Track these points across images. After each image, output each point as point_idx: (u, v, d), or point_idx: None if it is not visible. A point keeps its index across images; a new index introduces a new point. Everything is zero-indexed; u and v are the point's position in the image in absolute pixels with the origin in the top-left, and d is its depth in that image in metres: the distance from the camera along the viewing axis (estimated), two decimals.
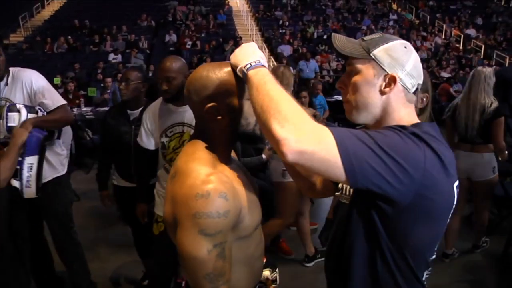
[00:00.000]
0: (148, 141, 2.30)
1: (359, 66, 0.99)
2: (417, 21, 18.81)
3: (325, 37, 14.87)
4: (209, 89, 1.03)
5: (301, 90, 4.73)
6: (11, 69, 2.34)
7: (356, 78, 1.00)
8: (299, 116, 0.83)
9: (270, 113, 0.83)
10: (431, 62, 13.73)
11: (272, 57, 14.26)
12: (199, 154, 1.04)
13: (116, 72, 10.21)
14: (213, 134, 1.07)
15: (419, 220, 0.92)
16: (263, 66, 0.96)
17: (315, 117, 4.62)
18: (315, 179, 1.31)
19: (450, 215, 1.01)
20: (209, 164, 1.01)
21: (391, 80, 0.97)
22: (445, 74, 12.16)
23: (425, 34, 17.06)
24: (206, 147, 1.07)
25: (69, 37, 14.16)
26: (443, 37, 17.39)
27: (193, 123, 2.17)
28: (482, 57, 15.65)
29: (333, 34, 1.05)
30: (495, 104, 2.84)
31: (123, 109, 2.63)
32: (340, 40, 1.02)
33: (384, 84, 0.98)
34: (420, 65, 1.02)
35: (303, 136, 0.80)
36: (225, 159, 1.09)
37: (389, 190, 0.85)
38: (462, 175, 3.00)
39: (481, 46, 16.15)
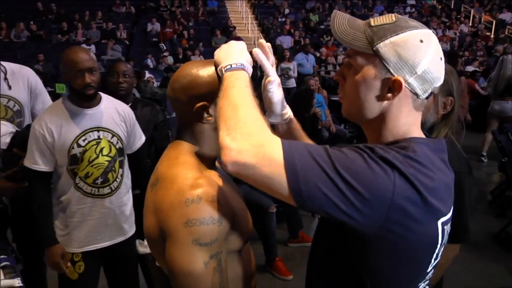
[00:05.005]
0: (45, 161, 2.05)
1: (360, 61, 0.94)
2: (439, 6, 18.83)
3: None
4: (199, 88, 1.08)
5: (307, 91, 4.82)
6: (3, 63, 2.38)
7: (354, 75, 0.96)
8: (250, 126, 0.87)
9: (223, 117, 0.90)
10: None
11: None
12: (184, 158, 1.08)
13: None
14: (200, 137, 1.12)
15: (385, 255, 0.91)
16: (245, 70, 1.01)
17: (315, 114, 4.72)
18: None
19: (434, 255, 0.98)
20: (195, 169, 1.06)
21: (396, 85, 0.91)
22: (471, 68, 12.12)
23: (447, 21, 17.06)
24: (191, 151, 1.12)
25: (31, 22, 13.98)
26: (470, 24, 17.33)
27: (110, 127, 2.13)
28: None
29: (334, 12, 0.99)
30: None
31: None
32: (341, 24, 0.97)
33: (386, 89, 0.92)
34: (441, 62, 0.94)
35: (246, 148, 0.84)
36: (211, 165, 1.15)
37: (345, 219, 0.85)
38: None
39: None
